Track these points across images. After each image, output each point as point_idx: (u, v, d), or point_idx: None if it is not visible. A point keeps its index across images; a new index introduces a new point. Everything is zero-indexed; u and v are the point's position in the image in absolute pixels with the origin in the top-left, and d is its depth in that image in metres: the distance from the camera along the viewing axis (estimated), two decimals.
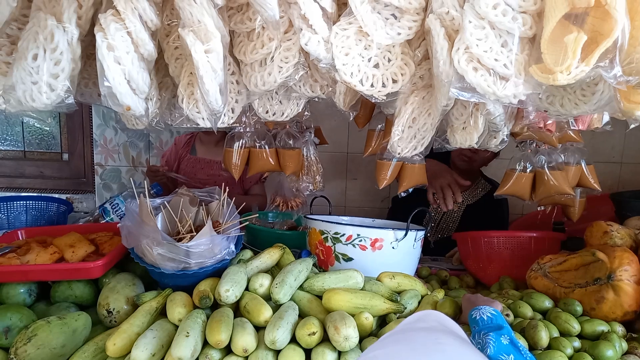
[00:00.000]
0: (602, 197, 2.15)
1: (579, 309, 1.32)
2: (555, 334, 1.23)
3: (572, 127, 1.31)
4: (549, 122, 1.31)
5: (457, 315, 1.30)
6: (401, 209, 2.40)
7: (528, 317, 1.31)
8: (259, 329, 1.20)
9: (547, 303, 1.38)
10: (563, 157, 1.76)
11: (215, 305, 1.28)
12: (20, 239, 1.66)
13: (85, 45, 1.05)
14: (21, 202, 2.04)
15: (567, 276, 1.43)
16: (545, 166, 1.69)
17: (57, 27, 0.92)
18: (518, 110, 1.29)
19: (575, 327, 1.24)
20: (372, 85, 1.05)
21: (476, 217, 2.37)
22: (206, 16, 0.95)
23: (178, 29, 0.99)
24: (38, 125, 1.09)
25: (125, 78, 0.93)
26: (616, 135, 3.13)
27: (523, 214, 2.96)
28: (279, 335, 1.12)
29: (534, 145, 1.73)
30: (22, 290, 1.35)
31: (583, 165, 1.79)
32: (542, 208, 1.97)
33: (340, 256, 1.59)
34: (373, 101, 1.07)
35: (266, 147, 1.76)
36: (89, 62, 1.18)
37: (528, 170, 1.73)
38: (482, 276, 1.83)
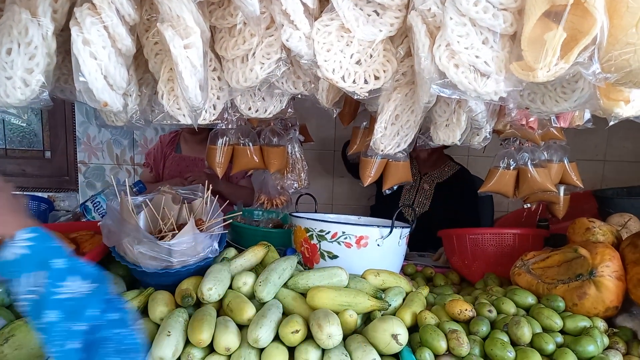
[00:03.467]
0: (585, 194, 2.18)
1: (562, 305, 1.33)
2: (538, 329, 1.24)
3: (554, 125, 1.32)
4: (531, 119, 1.32)
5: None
6: (385, 206, 2.43)
7: (511, 314, 1.32)
8: (242, 327, 1.19)
9: (530, 299, 1.38)
10: (546, 155, 1.78)
11: (198, 304, 1.27)
12: None
13: (63, 40, 1.03)
14: None
15: (550, 272, 1.44)
16: (529, 163, 1.71)
17: (32, 21, 0.90)
18: (500, 107, 1.30)
19: (558, 322, 1.25)
20: (354, 82, 1.04)
21: (447, 193, 2.60)
22: (185, 11, 0.93)
23: (157, 23, 0.98)
24: (15, 122, 1.07)
25: (102, 73, 0.91)
26: (599, 134, 3.18)
27: (508, 212, 2.99)
28: (262, 333, 1.11)
29: (518, 142, 1.74)
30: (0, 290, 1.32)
31: (566, 162, 1.81)
32: (528, 206, 1.98)
33: (325, 254, 1.58)
34: (355, 98, 1.07)
35: (250, 144, 1.75)
36: (68, 57, 1.15)
37: (511, 167, 1.74)
38: (467, 273, 1.84)
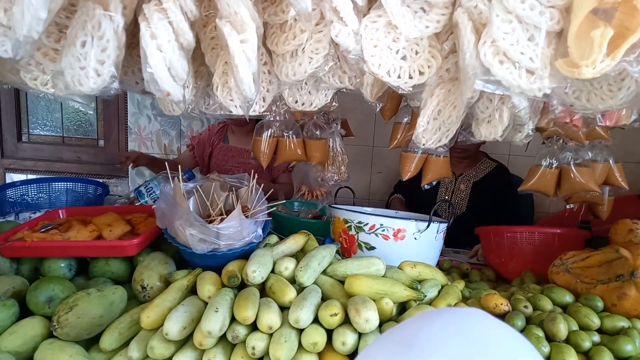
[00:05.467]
0: (630, 198, 2.13)
1: (600, 304, 1.32)
2: (575, 327, 1.24)
3: (599, 123, 1.31)
4: (576, 117, 1.31)
5: None
6: (424, 202, 2.46)
7: (547, 310, 1.33)
8: (283, 309, 1.25)
9: (568, 297, 1.38)
10: (590, 155, 1.75)
11: (242, 285, 1.34)
12: (61, 217, 1.75)
13: (126, 34, 1.12)
14: (62, 183, 2.15)
15: (590, 272, 1.44)
16: (572, 163, 1.69)
17: (104, 16, 0.98)
18: (544, 105, 1.30)
19: (595, 321, 1.25)
20: (398, 77, 1.08)
21: (484, 192, 2.61)
22: (242, 7, 1.00)
23: (215, 19, 1.05)
24: (82, 110, 1.17)
25: (166, 65, 0.98)
26: None
27: (549, 213, 2.94)
28: (303, 315, 1.17)
29: (561, 141, 1.73)
30: (62, 265, 1.44)
31: (611, 163, 1.77)
32: (570, 206, 1.95)
33: (363, 245, 1.63)
34: (399, 92, 1.11)
35: (294, 137, 1.81)
36: (128, 51, 1.24)
37: (554, 166, 1.73)
38: (504, 271, 1.84)
